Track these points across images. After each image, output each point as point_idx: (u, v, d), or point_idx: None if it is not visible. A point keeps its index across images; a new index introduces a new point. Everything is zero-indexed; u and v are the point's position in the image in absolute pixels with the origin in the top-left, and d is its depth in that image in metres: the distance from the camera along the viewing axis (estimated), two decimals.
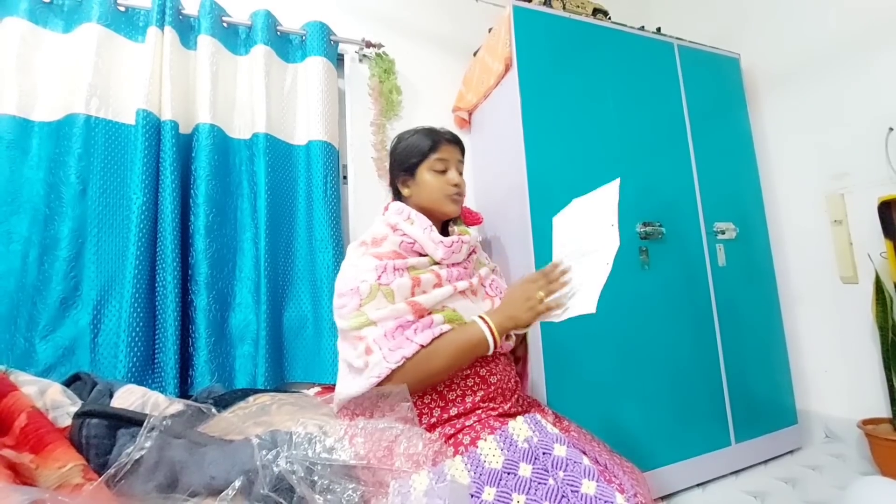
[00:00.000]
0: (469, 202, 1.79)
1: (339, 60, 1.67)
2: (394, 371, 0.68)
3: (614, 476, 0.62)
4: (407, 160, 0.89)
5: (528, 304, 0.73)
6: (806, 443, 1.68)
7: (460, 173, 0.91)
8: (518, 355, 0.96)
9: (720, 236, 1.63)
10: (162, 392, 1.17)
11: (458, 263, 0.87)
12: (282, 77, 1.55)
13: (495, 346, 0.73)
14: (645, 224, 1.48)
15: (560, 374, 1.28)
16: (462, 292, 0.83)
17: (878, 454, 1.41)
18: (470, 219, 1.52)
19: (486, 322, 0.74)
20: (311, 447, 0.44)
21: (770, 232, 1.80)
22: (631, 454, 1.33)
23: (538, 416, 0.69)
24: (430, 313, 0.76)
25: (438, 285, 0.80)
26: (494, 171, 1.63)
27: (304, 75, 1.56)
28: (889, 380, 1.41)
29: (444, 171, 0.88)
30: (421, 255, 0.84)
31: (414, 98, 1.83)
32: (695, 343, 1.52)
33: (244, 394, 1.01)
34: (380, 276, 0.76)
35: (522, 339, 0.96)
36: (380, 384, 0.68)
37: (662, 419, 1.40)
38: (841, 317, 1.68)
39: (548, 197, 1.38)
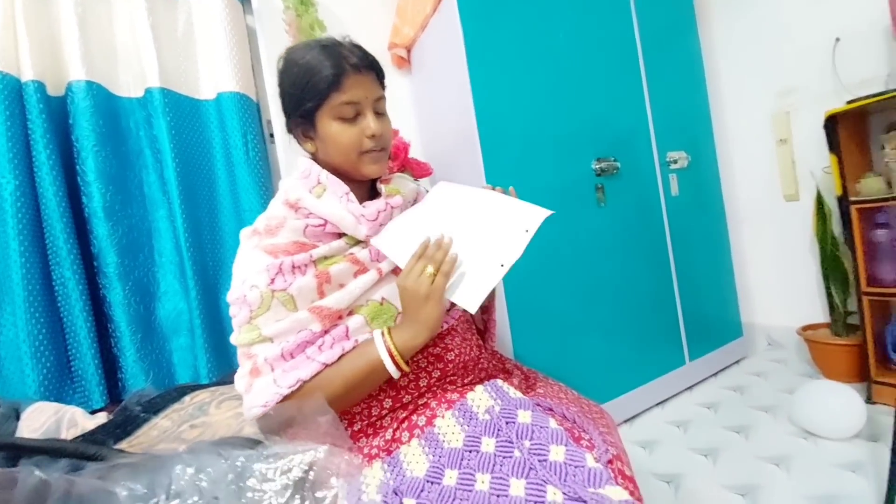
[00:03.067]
0: (416, 152, 1.65)
1: None
2: (286, 397, 0.55)
3: (584, 431, 0.59)
4: (300, 103, 0.63)
5: (422, 292, 0.56)
6: (751, 352, 1.82)
7: (380, 114, 0.65)
8: (483, 305, 0.84)
9: (673, 166, 1.61)
10: (87, 403, 1.04)
11: None
12: (172, 16, 1.27)
13: (401, 372, 0.58)
14: (600, 160, 1.42)
15: (522, 315, 1.26)
16: (395, 271, 0.66)
17: (817, 357, 1.53)
18: (419, 171, 1.39)
19: (385, 341, 0.58)
20: (197, 493, 0.36)
21: (719, 157, 1.80)
22: (594, 387, 1.38)
23: (499, 382, 0.64)
24: (347, 315, 0.61)
25: (361, 272, 0.63)
26: (441, 114, 1.48)
27: (200, 12, 1.29)
28: (827, 288, 1.50)
29: (355, 118, 0.63)
30: (338, 235, 0.65)
31: (340, 34, 1.58)
32: (651, 273, 1.53)
33: (179, 393, 0.90)
34: (273, 280, 0.58)
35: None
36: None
37: (622, 349, 1.44)
38: (783, 233, 1.75)
39: (500, 141, 1.27)
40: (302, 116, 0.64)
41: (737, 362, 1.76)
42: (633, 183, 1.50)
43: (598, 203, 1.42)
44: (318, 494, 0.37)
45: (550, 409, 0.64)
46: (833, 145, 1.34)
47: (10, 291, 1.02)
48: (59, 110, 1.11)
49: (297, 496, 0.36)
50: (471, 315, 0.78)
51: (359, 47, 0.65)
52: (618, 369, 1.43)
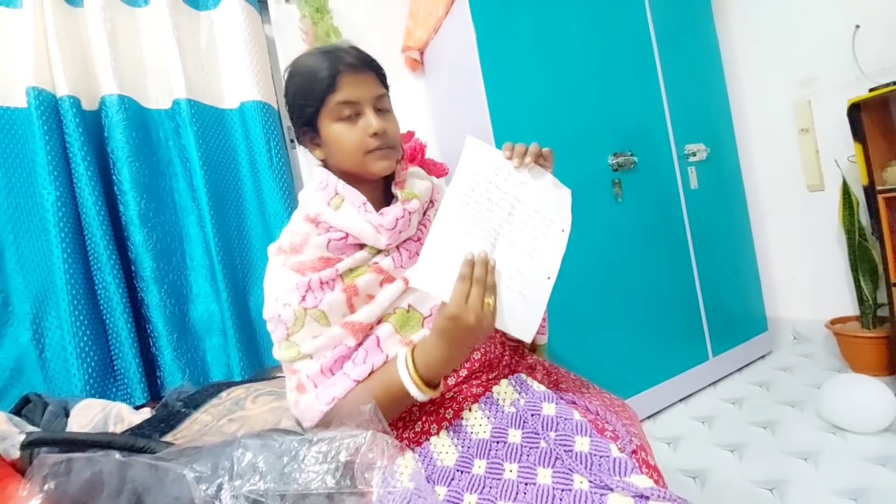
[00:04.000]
0: (432, 153, 1.67)
1: (261, 2, 1.44)
2: (326, 413, 0.57)
3: (607, 423, 0.60)
4: (302, 110, 0.63)
5: (472, 321, 0.50)
6: (776, 347, 1.79)
7: (382, 111, 0.64)
8: None
9: (691, 158, 1.59)
10: (129, 399, 1.10)
11: (409, 238, 0.67)
12: (195, 29, 1.32)
13: (424, 397, 0.55)
14: (616, 155, 1.42)
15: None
16: None
17: (845, 351, 1.50)
18: (434, 171, 1.41)
19: (407, 365, 0.55)
20: (257, 473, 0.39)
21: (739, 148, 1.77)
22: (616, 383, 1.37)
23: (523, 376, 0.65)
24: (376, 323, 0.62)
25: (387, 280, 0.63)
26: (456, 115, 1.50)
27: (221, 24, 1.34)
28: (856, 280, 1.47)
29: (355, 117, 0.61)
30: (360, 246, 0.65)
31: (355, 39, 1.59)
32: (671, 268, 1.52)
33: (216, 389, 0.95)
34: (304, 297, 0.59)
35: None
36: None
37: (644, 345, 1.44)
38: (807, 224, 1.72)
39: (515, 139, 1.26)
40: (306, 124, 0.64)
41: (762, 357, 1.73)
42: (651, 177, 1.49)
43: (615, 198, 1.42)
44: (366, 475, 0.40)
45: (574, 402, 0.65)
46: (857, 134, 1.31)
47: (55, 296, 1.08)
48: (94, 124, 1.17)
49: (347, 477, 0.38)
50: None
51: (356, 49, 0.64)
52: (639, 365, 1.43)
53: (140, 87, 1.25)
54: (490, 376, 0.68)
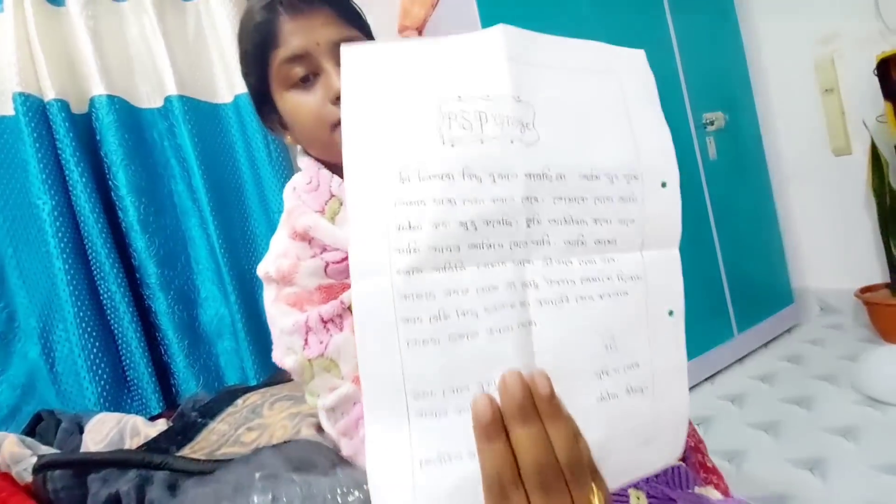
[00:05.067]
0: None
1: None
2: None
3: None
4: (249, 85, 0.49)
5: None
6: (803, 319, 1.73)
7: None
8: None
9: (709, 128, 1.51)
10: (145, 410, 1.08)
11: None
12: (182, 20, 1.26)
13: None
14: None
15: None
16: None
17: (877, 320, 1.44)
18: None
19: None
20: None
21: (759, 113, 1.69)
22: None
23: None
24: None
25: None
26: None
27: (208, 13, 1.27)
28: (886, 245, 1.40)
29: (312, 78, 0.45)
30: None
31: None
32: (691, 242, 1.46)
33: (231, 396, 0.92)
34: (306, 342, 0.46)
35: None
36: None
37: None
38: (833, 190, 1.64)
39: None
40: (261, 100, 0.49)
41: (788, 331, 1.68)
42: None
43: None
44: None
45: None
46: (887, 91, 1.23)
47: (61, 309, 1.05)
48: (84, 127, 1.12)
49: None
50: None
51: None
52: None
53: (130, 86, 1.19)
54: None
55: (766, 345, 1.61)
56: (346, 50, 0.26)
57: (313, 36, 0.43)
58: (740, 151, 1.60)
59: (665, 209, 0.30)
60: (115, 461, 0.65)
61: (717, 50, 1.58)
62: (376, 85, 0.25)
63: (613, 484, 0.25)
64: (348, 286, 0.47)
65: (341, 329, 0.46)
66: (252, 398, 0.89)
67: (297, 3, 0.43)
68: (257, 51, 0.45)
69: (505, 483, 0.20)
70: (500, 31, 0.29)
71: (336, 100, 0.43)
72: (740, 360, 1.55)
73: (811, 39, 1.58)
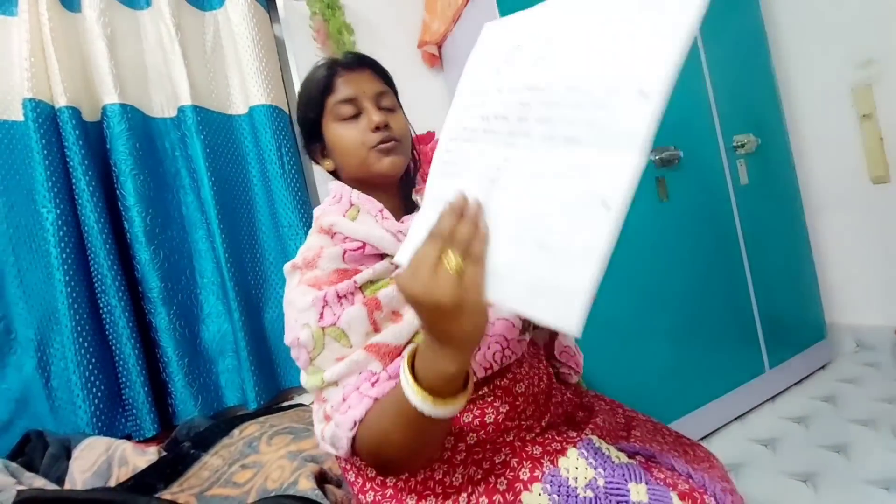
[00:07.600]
0: None
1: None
2: (352, 439, 0.47)
3: (704, 491, 0.48)
4: (306, 120, 0.62)
5: (439, 298, 0.35)
6: (836, 356, 1.62)
7: (384, 109, 0.60)
8: None
9: (740, 151, 1.44)
10: (139, 431, 1.02)
11: None
12: (200, 31, 1.24)
13: (440, 412, 0.39)
14: (659, 150, 1.28)
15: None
16: None
17: None
18: None
19: (407, 375, 0.40)
20: None
21: (791, 138, 1.61)
22: (662, 402, 1.25)
23: (595, 440, 0.53)
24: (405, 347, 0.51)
25: None
26: None
27: (227, 24, 1.25)
28: None
29: (357, 116, 0.59)
30: (380, 257, 0.57)
31: (370, 37, 1.52)
32: (721, 272, 1.38)
33: (228, 426, 0.86)
34: (321, 314, 0.51)
35: None
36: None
37: (692, 359, 1.30)
38: (871, 220, 1.55)
39: None
40: (313, 135, 0.63)
41: (822, 368, 1.57)
42: (697, 173, 1.35)
43: (658, 198, 1.28)
44: None
45: (653, 459, 0.53)
46: None
47: (58, 322, 1.01)
48: (95, 135, 1.10)
49: None
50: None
51: (354, 52, 0.65)
52: (688, 381, 1.29)
53: (143, 95, 1.17)
54: (543, 421, 0.56)
55: (799, 382, 1.51)
56: (487, 25, 0.48)
57: (360, 87, 0.60)
58: (772, 177, 1.52)
59: (634, 117, 0.31)
60: (94, 501, 0.59)
61: (748, 72, 1.52)
62: (486, 41, 0.46)
63: (505, 301, 0.36)
64: (359, 270, 0.55)
65: (352, 304, 0.52)
66: (249, 429, 0.83)
67: (349, 64, 0.61)
68: (319, 95, 0.60)
69: (438, 232, 0.38)
70: None
71: (374, 129, 0.58)
72: (772, 398, 1.45)
73: (847, 63, 1.51)
